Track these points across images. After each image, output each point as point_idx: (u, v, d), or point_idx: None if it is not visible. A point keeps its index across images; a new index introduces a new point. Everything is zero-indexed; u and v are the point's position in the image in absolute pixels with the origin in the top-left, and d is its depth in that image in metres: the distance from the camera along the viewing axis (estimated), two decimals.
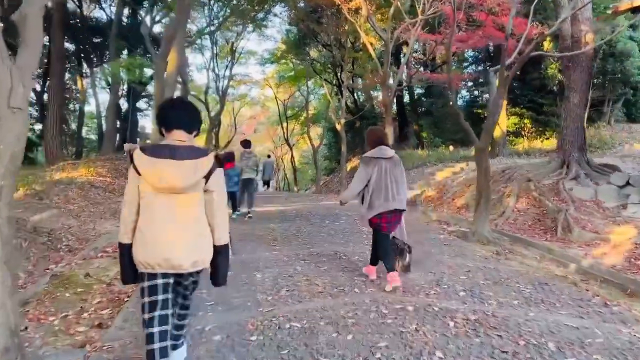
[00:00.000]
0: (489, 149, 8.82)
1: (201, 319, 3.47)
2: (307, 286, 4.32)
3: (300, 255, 5.61)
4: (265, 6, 21.07)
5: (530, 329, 3.37)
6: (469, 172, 12.50)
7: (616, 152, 14.30)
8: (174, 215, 2.32)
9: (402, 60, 17.36)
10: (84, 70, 21.05)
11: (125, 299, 3.85)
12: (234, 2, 20.14)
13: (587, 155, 10.02)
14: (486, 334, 3.28)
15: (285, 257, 5.53)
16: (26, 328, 3.24)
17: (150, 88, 20.55)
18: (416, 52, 22.20)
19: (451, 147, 18.70)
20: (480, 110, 20.75)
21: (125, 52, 19.06)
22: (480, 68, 23.08)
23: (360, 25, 14.19)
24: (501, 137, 15.46)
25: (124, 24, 19.38)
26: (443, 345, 3.06)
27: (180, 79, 13.35)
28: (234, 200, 9.08)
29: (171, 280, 2.41)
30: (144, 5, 19.19)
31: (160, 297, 2.36)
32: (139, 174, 2.31)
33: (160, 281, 2.36)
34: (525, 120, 18.89)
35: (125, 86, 20.76)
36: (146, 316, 2.34)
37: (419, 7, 11.79)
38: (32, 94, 21.97)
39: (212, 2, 20.43)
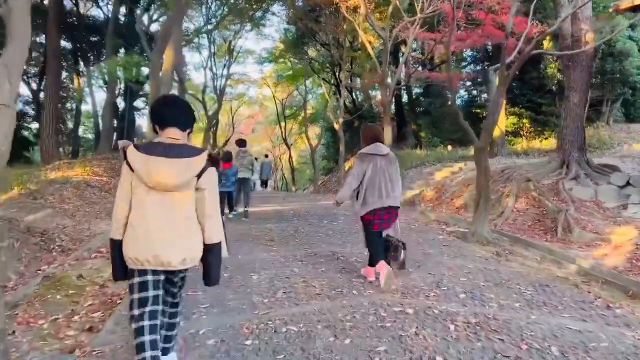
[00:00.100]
0: (488, 148, 8.75)
1: (195, 322, 3.38)
2: (304, 288, 4.23)
3: (298, 256, 5.52)
4: (263, 5, 20.96)
5: (532, 333, 3.29)
6: (467, 172, 12.42)
7: (615, 152, 14.25)
8: (165, 213, 2.34)
9: (401, 59, 17.30)
10: (80, 69, 20.91)
11: (118, 301, 3.76)
12: (232, 0, 20.03)
13: (587, 155, 9.95)
14: (487, 337, 3.19)
15: (282, 258, 5.44)
16: (14, 332, 3.15)
17: (148, 87, 20.42)
18: (415, 51, 22.13)
19: (449, 147, 18.63)
20: (479, 110, 20.68)
21: (122, 50, 18.93)
22: (478, 68, 23.00)
23: (359, 24, 14.11)
24: (500, 136, 15.39)
25: (121, 22, 19.24)
26: (444, 350, 2.98)
27: (177, 78, 13.25)
28: (230, 200, 9.01)
29: (162, 277, 2.42)
30: (141, 4, 19.06)
31: (150, 293, 2.37)
32: (132, 170, 2.32)
33: (150, 277, 2.36)
34: (524, 120, 18.82)
35: (122, 85, 20.62)
36: (136, 312, 2.34)
37: (417, 5, 11.71)
38: (29, 93, 21.92)
39: (209, 1, 20.32)
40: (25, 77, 21.32)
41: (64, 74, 21.43)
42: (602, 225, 7.37)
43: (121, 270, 2.40)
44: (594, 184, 8.97)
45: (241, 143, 9.46)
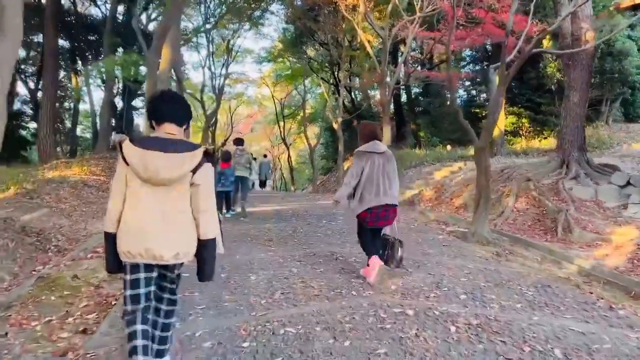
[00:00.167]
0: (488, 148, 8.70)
1: (191, 323, 3.32)
2: (302, 289, 4.17)
3: (296, 257, 5.46)
4: (262, 4, 20.90)
5: (535, 334, 3.24)
6: (467, 172, 12.38)
7: (614, 151, 14.22)
8: (159, 207, 2.35)
9: (400, 59, 17.25)
10: (78, 68, 20.83)
11: (113, 303, 3.69)
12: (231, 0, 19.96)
13: (587, 155, 9.91)
14: (489, 339, 3.14)
15: (280, 258, 5.37)
16: (6, 334, 3.08)
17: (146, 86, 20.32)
18: (413, 50, 22.08)
19: (449, 147, 18.59)
20: (478, 110, 20.66)
21: (120, 49, 18.84)
22: (477, 67, 22.98)
23: (358, 23, 14.05)
24: (499, 136, 15.36)
25: (119, 21, 19.16)
26: (445, 352, 2.92)
27: (175, 77, 13.17)
28: (228, 199, 8.97)
29: (154, 274, 2.43)
30: (138, 2, 18.97)
31: (142, 290, 2.39)
32: (127, 164, 2.33)
33: (142, 275, 2.38)
34: (523, 120, 18.80)
35: (121, 84, 20.55)
36: (128, 308, 2.38)
37: (417, 4, 11.66)
38: (26, 92, 21.82)
39: (208, 0, 20.25)
40: (23, 77, 21.26)
41: (62, 73, 21.37)
42: (603, 225, 7.33)
43: (114, 262, 2.41)
44: (594, 183, 8.93)
45: (238, 142, 9.51)
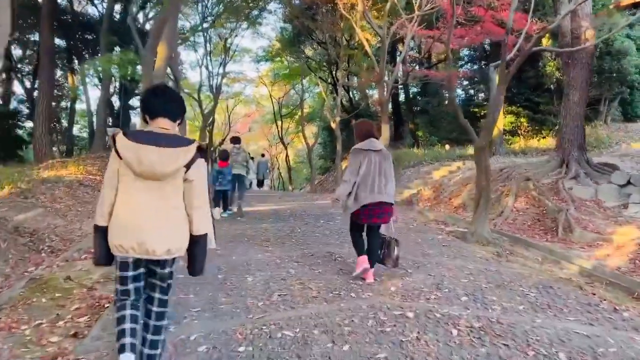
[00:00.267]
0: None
1: (186, 326, 3.22)
2: (300, 290, 4.08)
3: (294, 257, 5.38)
4: (260, 3, 20.79)
5: (538, 338, 3.16)
6: (465, 171, 12.31)
7: (613, 151, 14.16)
8: (152, 201, 2.35)
9: (398, 58, 17.16)
10: (75, 67, 20.68)
11: (106, 305, 3.59)
12: None
13: (587, 154, 9.84)
14: (492, 343, 3.06)
15: (277, 259, 5.28)
16: None
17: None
18: (412, 49, 22.00)
19: (447, 146, 18.51)
20: (476, 109, 20.58)
21: (117, 48, 18.71)
22: (476, 66, 22.91)
23: (356, 22, 13.96)
24: (498, 136, 15.27)
25: (116, 19, 19.03)
26: (446, 356, 2.84)
27: (172, 76, 13.05)
28: (225, 199, 8.88)
29: (142, 270, 2.44)
30: (135, 1, 18.84)
31: (131, 286, 2.42)
32: (120, 157, 2.32)
33: (131, 273, 2.41)
34: (522, 119, 18.72)
35: (118, 83, 20.42)
36: (118, 304, 2.43)
37: (415, 2, 11.57)
38: (23, 91, 21.70)
39: None
40: (19, 76, 21.13)
41: (59, 73, 21.23)
42: (603, 225, 7.26)
43: (104, 255, 2.40)
44: (594, 183, 8.86)
45: (235, 140, 9.50)
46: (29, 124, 20.41)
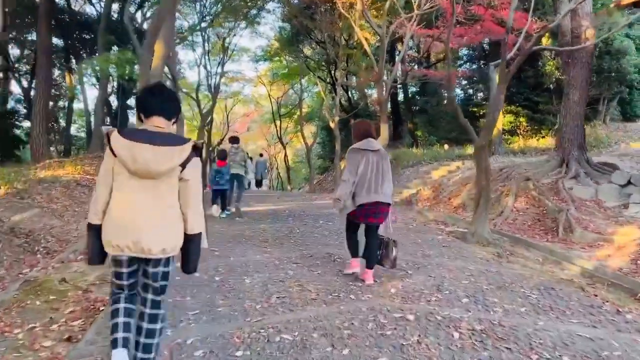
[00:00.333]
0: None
1: (182, 330, 3.16)
2: (299, 292, 4.02)
3: (293, 258, 5.31)
4: (258, 2, 20.70)
5: (541, 341, 3.11)
6: (465, 171, 12.26)
7: (612, 151, 14.12)
8: (147, 200, 2.33)
9: (397, 57, 17.11)
10: (73, 67, 20.58)
11: (101, 308, 3.52)
12: None
13: (587, 154, 9.79)
14: (494, 346, 3.00)
15: (276, 260, 5.22)
16: None
17: None
18: (410, 49, 21.94)
19: (446, 146, 18.46)
20: (475, 109, 20.51)
21: (115, 48, 18.62)
22: (474, 66, 22.85)
23: (355, 21, 13.89)
24: (497, 135, 15.22)
25: (114, 19, 18.93)
26: None
27: (170, 76, 12.98)
28: (223, 198, 8.82)
29: (136, 267, 2.44)
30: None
31: (125, 282, 2.44)
32: (114, 155, 2.31)
33: (125, 270, 2.41)
34: (521, 119, 18.66)
35: (115, 83, 20.33)
36: (112, 302, 2.48)
37: (415, 1, 11.52)
38: (20, 91, 21.58)
39: None
40: (16, 75, 21.03)
41: (57, 72, 21.12)
42: (604, 225, 7.22)
43: (98, 254, 2.40)
44: (594, 183, 8.81)
45: (233, 140, 9.46)
46: (26, 124, 20.30)
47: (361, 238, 4.60)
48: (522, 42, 7.12)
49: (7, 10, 17.10)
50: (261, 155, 23.55)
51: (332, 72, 22.91)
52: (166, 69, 10.94)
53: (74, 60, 20.48)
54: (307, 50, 24.19)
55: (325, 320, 3.36)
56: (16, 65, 20.91)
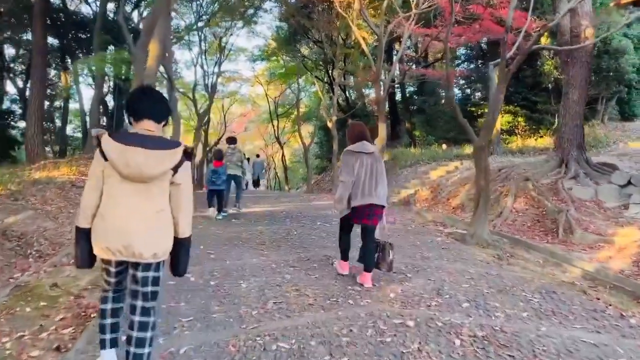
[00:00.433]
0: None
1: (175, 338, 3.07)
2: (296, 297, 3.93)
3: (290, 261, 5.22)
4: (255, 2, 20.60)
5: (544, 347, 3.03)
6: (463, 171, 12.18)
7: (611, 150, 14.08)
8: (138, 204, 2.32)
9: (395, 57, 17.02)
10: (68, 66, 20.42)
11: (93, 315, 3.43)
12: None
13: (586, 154, 9.73)
14: (497, 353, 2.93)
15: (273, 263, 5.13)
16: None
17: None
18: (408, 48, 21.86)
19: (444, 146, 18.39)
20: (473, 108, 20.45)
21: (111, 47, 18.49)
22: (472, 65, 22.79)
23: (353, 20, 13.81)
24: (495, 135, 15.15)
25: (110, 18, 18.80)
26: None
27: (166, 75, 12.84)
28: (220, 199, 8.72)
29: (123, 267, 2.44)
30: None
31: (113, 279, 2.47)
32: (105, 159, 2.29)
33: (114, 269, 2.43)
34: (519, 119, 18.60)
35: (112, 83, 20.20)
36: (102, 294, 2.54)
37: (413, 0, 11.44)
38: (15, 91, 21.41)
39: None
40: (11, 75, 20.86)
41: (52, 72, 20.97)
42: (604, 226, 7.15)
43: (87, 258, 2.39)
44: (594, 183, 8.75)
45: (231, 140, 9.42)
46: (22, 124, 20.15)
47: (358, 241, 4.54)
48: (521, 41, 7.05)
49: (1, 10, 17.00)
50: (258, 155, 23.48)
51: (330, 71, 22.81)
52: (162, 69, 10.82)
53: (69, 60, 20.34)
54: (305, 50, 24.09)
55: (323, 327, 3.27)
56: (11, 65, 20.75)
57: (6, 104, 20.56)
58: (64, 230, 6.94)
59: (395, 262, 4.63)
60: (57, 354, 2.83)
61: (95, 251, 2.35)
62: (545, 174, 9.50)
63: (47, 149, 20.36)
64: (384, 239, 4.60)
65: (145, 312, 2.41)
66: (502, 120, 17.29)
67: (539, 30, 6.79)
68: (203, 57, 22.91)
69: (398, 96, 25.15)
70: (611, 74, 16.55)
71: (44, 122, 17.08)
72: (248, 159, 15.22)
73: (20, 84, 21.02)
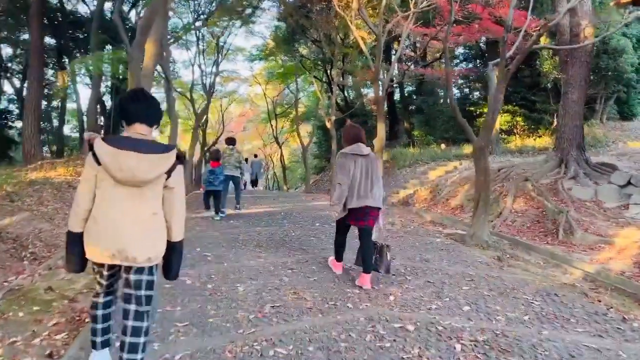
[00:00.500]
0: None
1: (170, 344, 3.01)
2: (294, 301, 3.88)
3: (288, 264, 5.16)
4: (253, 1, 20.52)
5: (547, 352, 2.98)
6: (462, 171, 12.14)
7: (610, 150, 14.05)
8: (131, 208, 2.32)
9: (394, 56, 16.95)
10: (65, 66, 20.32)
11: (87, 320, 3.36)
12: None
13: (585, 154, 9.69)
14: (499, 359, 2.87)
15: (271, 265, 5.07)
16: None
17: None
18: (407, 48, 21.79)
19: (443, 146, 18.35)
20: (472, 108, 20.40)
21: (108, 47, 18.39)
22: (471, 65, 22.74)
23: (351, 20, 13.74)
24: (495, 135, 15.12)
25: (107, 17, 18.71)
26: None
27: (163, 75, 12.78)
28: (217, 200, 8.66)
29: (115, 270, 2.45)
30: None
31: (104, 282, 2.48)
32: (98, 163, 2.28)
33: (105, 272, 2.44)
34: (518, 118, 18.57)
35: (109, 83, 20.10)
36: (93, 298, 2.55)
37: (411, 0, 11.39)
38: (12, 90, 21.30)
39: None
40: (8, 75, 20.76)
41: (50, 72, 20.86)
42: (605, 227, 7.11)
43: (78, 262, 2.38)
44: (594, 183, 8.71)
45: (230, 141, 9.39)
46: (19, 124, 20.05)
47: (355, 243, 4.51)
48: (521, 40, 7.00)
49: None
50: (256, 155, 23.39)
51: (328, 71, 22.73)
52: (160, 69, 10.76)
53: (66, 60, 20.24)
54: (303, 50, 24.01)
55: (321, 332, 3.22)
56: (8, 65, 20.64)
57: (3, 104, 20.47)
58: (59, 232, 6.86)
59: (394, 263, 4.58)
60: None
61: (88, 255, 2.33)
62: (545, 174, 9.46)
63: (45, 149, 20.29)
64: (381, 241, 4.58)
65: (139, 316, 2.39)
66: (500, 120, 17.26)
67: (539, 29, 6.74)
68: (201, 56, 22.82)
69: (397, 96, 25.10)
70: (610, 73, 16.52)
71: (41, 122, 17.00)
72: (246, 160, 15.16)
73: (17, 83, 20.94)
